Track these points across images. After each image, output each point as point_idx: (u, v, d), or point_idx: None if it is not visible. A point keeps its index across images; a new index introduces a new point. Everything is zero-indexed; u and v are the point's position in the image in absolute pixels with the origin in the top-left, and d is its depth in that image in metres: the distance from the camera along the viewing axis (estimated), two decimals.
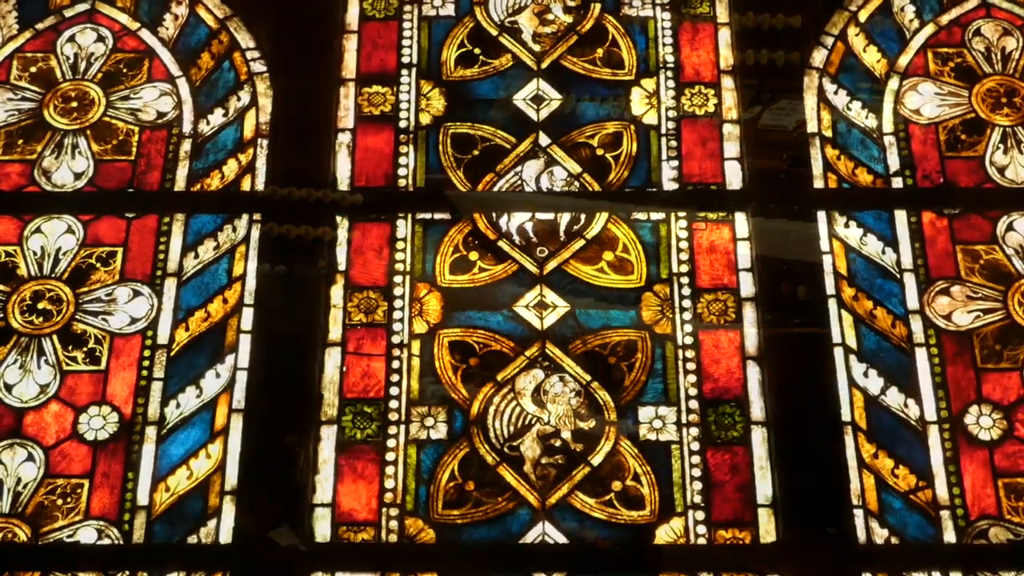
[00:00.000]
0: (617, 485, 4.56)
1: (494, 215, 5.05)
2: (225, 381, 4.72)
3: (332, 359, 4.77)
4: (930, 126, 5.22)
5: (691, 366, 4.75)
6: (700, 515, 4.51)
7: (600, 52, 5.41)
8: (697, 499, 4.53)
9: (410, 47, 5.41)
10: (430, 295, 4.90)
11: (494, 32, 5.45)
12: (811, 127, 5.17)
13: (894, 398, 4.68)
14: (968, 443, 4.61)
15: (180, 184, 5.14)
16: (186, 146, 5.22)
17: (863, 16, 5.42)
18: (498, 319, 4.86)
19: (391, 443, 4.64)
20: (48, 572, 4.42)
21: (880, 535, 4.46)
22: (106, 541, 4.48)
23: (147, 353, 4.78)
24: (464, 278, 4.94)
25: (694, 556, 4.46)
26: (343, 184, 5.13)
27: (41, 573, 4.42)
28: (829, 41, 5.37)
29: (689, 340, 4.80)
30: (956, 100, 5.27)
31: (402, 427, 4.66)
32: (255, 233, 4.98)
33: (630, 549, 4.46)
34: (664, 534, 4.49)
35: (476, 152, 5.21)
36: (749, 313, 4.83)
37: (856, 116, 5.23)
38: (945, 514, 4.50)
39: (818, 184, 5.07)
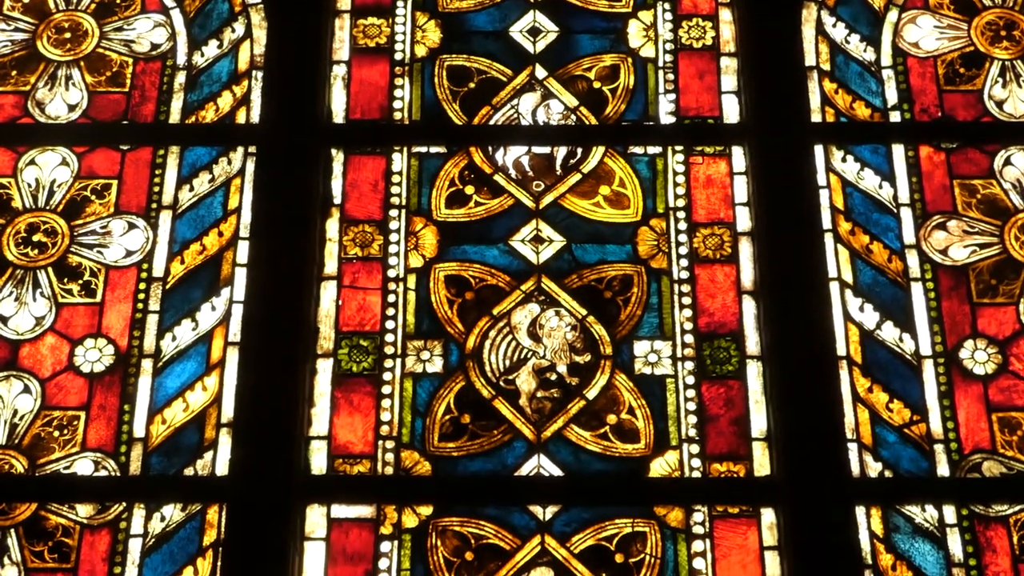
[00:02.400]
0: (612, 418, 4.58)
1: (490, 148, 5.04)
2: (221, 314, 4.72)
3: (328, 292, 4.77)
4: (928, 59, 5.20)
5: (687, 300, 4.75)
6: (695, 448, 4.53)
7: None
8: (692, 433, 4.55)
9: None
10: (426, 229, 4.89)
11: None
12: (809, 60, 5.14)
13: (889, 332, 4.68)
14: (963, 377, 4.62)
15: (175, 116, 5.12)
16: (180, 78, 5.19)
17: None
18: (494, 253, 4.85)
19: (387, 376, 4.65)
20: (45, 503, 4.44)
21: (874, 468, 4.48)
22: (103, 473, 4.50)
23: (142, 286, 4.78)
24: (460, 212, 4.93)
25: (688, 489, 4.49)
26: (338, 117, 5.11)
27: (38, 504, 4.45)
28: None
29: (685, 275, 4.80)
30: (955, 33, 5.24)
31: (398, 360, 4.67)
32: (250, 166, 4.97)
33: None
34: (659, 467, 4.51)
35: (472, 85, 5.18)
36: (745, 247, 4.83)
37: (854, 49, 5.20)
38: (939, 448, 4.52)
39: (815, 118, 5.04)
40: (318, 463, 4.52)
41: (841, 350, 4.63)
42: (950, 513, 4.42)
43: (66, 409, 4.60)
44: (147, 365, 4.64)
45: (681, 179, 4.96)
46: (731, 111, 5.09)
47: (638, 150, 5.03)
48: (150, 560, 4.37)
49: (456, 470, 4.52)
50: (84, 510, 4.44)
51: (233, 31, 5.26)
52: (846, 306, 4.71)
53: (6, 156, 5.04)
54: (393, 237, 4.87)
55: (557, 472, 4.51)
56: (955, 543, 4.38)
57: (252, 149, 4.99)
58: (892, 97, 5.12)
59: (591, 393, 4.61)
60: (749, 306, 4.73)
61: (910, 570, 4.35)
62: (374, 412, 4.59)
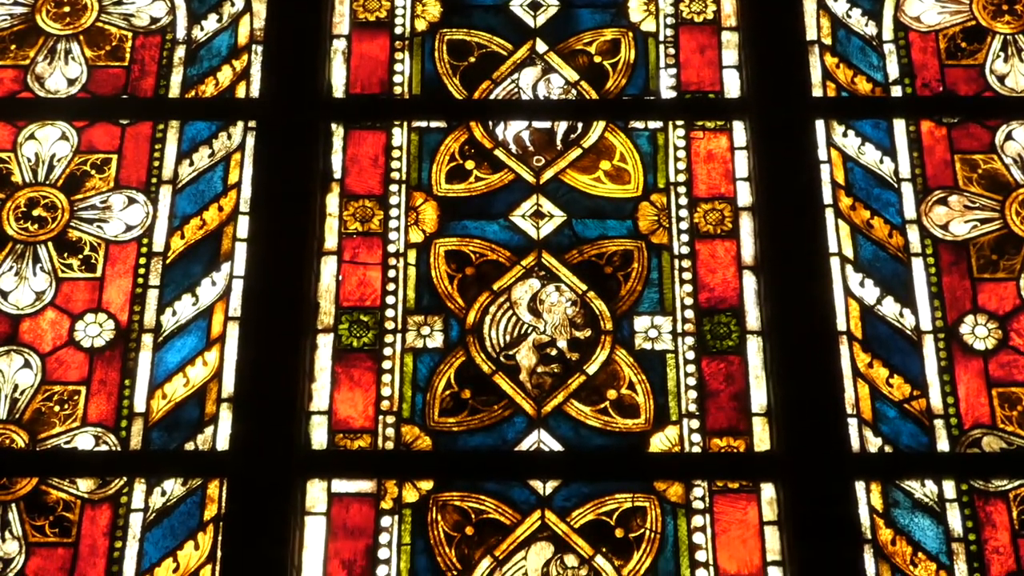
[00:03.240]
0: (612, 394, 4.58)
1: (490, 123, 5.03)
2: (221, 289, 4.72)
3: (328, 268, 4.77)
4: (930, 34, 5.18)
5: (687, 276, 4.75)
6: (695, 424, 4.53)
7: None
8: (692, 408, 4.55)
9: None
10: (426, 204, 4.88)
11: None
12: (810, 35, 5.13)
13: (889, 308, 4.68)
14: (963, 353, 4.62)
15: (174, 91, 5.10)
16: (180, 52, 5.18)
17: None
18: (494, 228, 4.85)
19: (387, 351, 4.65)
20: (46, 478, 4.45)
21: (874, 444, 4.49)
22: (103, 448, 4.51)
23: (143, 260, 4.78)
24: (460, 187, 4.93)
25: (688, 464, 4.49)
26: (338, 91, 5.10)
27: (39, 479, 4.45)
28: None
29: (686, 250, 4.79)
30: (957, 7, 5.23)
31: (398, 336, 4.67)
32: (250, 140, 4.96)
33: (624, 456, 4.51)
34: (658, 442, 4.52)
35: (472, 59, 5.17)
36: (746, 223, 4.83)
37: (856, 23, 5.18)
38: (939, 423, 4.52)
39: (816, 92, 5.03)
40: (318, 438, 4.52)
41: (841, 325, 4.63)
42: (950, 488, 4.43)
43: (66, 384, 4.60)
44: (147, 340, 4.65)
45: (682, 154, 4.95)
46: (732, 86, 5.08)
47: (639, 125, 5.02)
48: (151, 535, 4.38)
49: (456, 445, 4.53)
50: (85, 485, 4.45)
51: (233, 5, 5.24)
52: (846, 281, 4.71)
53: (5, 130, 5.03)
54: (393, 212, 4.86)
55: (557, 447, 4.51)
56: (955, 518, 4.39)
57: (252, 124, 4.98)
58: (893, 71, 5.11)
59: (591, 368, 4.62)
60: (749, 281, 4.73)
61: (909, 545, 4.36)
62: (374, 387, 4.59)
